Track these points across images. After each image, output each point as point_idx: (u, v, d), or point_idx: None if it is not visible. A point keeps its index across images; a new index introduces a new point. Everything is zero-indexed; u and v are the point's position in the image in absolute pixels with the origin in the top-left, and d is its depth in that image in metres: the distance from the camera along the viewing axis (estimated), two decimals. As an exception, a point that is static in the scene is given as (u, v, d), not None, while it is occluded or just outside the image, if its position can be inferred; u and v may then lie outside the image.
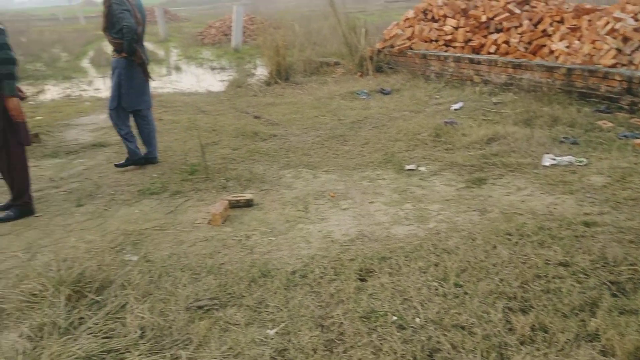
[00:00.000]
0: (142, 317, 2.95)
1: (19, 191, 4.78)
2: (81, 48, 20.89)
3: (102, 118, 8.60)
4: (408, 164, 5.53)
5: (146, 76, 6.02)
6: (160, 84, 12.53)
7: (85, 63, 17.00)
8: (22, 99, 4.85)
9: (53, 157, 6.52)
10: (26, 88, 12.28)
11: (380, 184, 5.08)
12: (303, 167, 5.69)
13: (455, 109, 7.60)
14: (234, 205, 4.68)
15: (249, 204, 4.72)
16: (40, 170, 6.03)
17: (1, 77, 4.46)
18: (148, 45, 21.16)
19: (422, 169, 5.41)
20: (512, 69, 8.15)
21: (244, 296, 3.18)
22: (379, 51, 10.82)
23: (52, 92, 12.07)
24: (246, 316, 2.98)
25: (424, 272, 3.32)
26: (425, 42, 10.35)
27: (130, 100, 5.92)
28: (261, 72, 12.92)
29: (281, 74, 10.83)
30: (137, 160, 5.96)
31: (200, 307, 3.08)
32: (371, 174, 5.36)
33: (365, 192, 4.90)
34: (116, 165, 5.98)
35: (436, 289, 3.12)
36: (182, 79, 13.16)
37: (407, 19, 11.22)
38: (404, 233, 4.02)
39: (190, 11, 46.85)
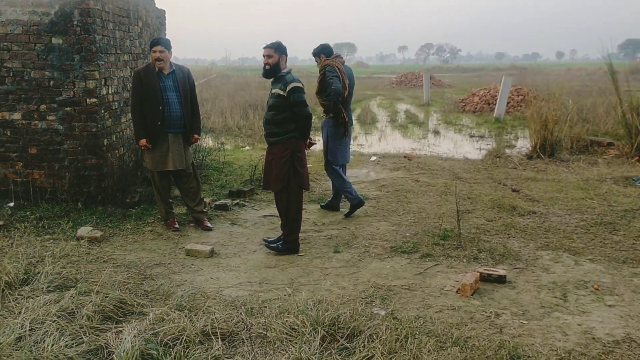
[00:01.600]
0: (386, 374, 3.00)
1: (291, 230, 5.33)
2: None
3: (363, 172, 9.19)
4: (695, 269, 4.75)
5: (345, 135, 6.62)
6: (417, 145, 12.97)
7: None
8: (311, 145, 5.50)
9: (317, 203, 7.13)
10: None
11: (657, 286, 4.44)
12: (564, 251, 5.28)
13: None
14: (485, 278, 4.54)
15: (501, 280, 4.53)
16: (306, 213, 6.63)
17: (301, 131, 5.16)
18: (410, 107, 22.20)
19: None
20: None
21: (490, 378, 3.02)
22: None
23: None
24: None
25: None
26: None
27: (336, 156, 6.58)
28: (522, 144, 12.52)
29: (545, 149, 10.32)
30: (358, 204, 6.54)
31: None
32: (646, 273, 4.73)
33: (637, 291, 4.33)
34: (345, 216, 6.59)
35: None
36: (439, 143, 13.42)
37: None
38: (686, 350, 3.43)
39: (455, 78, 47.86)
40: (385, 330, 3.50)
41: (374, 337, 3.41)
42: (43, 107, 6.40)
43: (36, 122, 6.44)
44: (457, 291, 4.33)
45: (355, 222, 6.34)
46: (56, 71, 6.31)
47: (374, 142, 13.64)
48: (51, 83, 6.34)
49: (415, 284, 4.50)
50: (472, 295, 4.27)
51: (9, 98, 6.42)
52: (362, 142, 13.56)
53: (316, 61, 6.66)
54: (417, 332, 3.54)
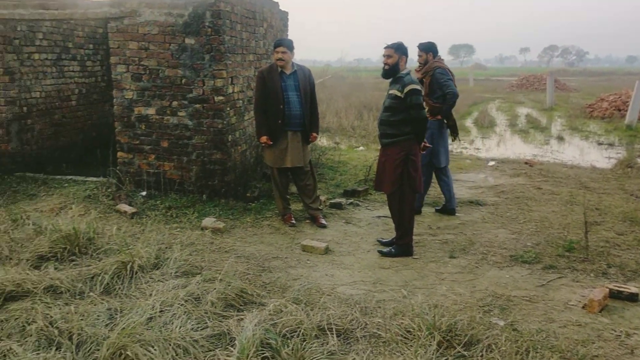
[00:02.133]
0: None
1: (404, 232, 5.28)
2: (467, 108, 22.13)
3: (481, 177, 8.91)
4: None
5: (454, 136, 6.73)
6: (539, 151, 12.35)
7: (469, 123, 17.93)
8: (425, 148, 5.43)
9: (433, 206, 7.01)
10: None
11: None
12: None
13: None
14: (615, 295, 4.23)
15: (633, 298, 4.20)
16: (421, 217, 6.54)
17: (416, 134, 5.11)
18: (531, 111, 21.22)
19: None
20: None
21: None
22: None
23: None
24: None
25: None
26: None
27: (441, 158, 6.55)
28: (658, 154, 11.54)
29: (686, 160, 9.44)
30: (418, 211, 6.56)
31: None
32: None
33: None
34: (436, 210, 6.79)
35: None
36: (564, 149, 12.69)
37: None
38: None
39: (581, 82, 45.04)
40: (505, 341, 3.37)
41: (493, 347, 3.30)
42: (175, 103, 6.82)
43: (168, 117, 6.87)
44: (583, 307, 4.07)
45: (472, 227, 6.15)
46: (188, 70, 6.70)
47: (492, 147, 13.20)
48: (183, 81, 6.75)
49: (537, 296, 4.29)
50: (600, 312, 4.00)
51: (145, 94, 6.91)
52: (479, 146, 13.16)
53: (419, 55, 6.56)
54: (539, 346, 3.38)
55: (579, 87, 37.13)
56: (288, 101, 5.97)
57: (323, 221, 6.20)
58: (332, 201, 6.95)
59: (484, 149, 12.74)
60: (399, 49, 5.16)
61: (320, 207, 6.38)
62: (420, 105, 5.05)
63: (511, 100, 28.15)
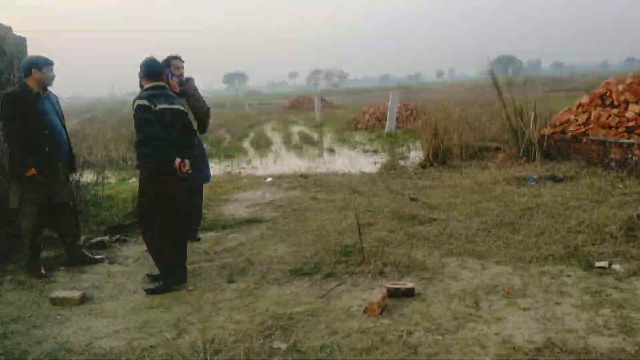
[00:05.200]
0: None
1: (164, 260, 4.74)
2: (244, 130, 22.22)
3: (258, 194, 8.68)
4: (597, 261, 4.68)
5: None
6: (313, 164, 12.66)
7: (245, 144, 17.91)
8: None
9: (209, 230, 6.53)
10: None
11: (565, 282, 4.29)
12: (469, 256, 5.06)
13: (647, 200, 6.55)
14: (393, 293, 4.17)
15: (409, 293, 4.18)
16: (199, 242, 6.01)
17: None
18: (304, 129, 22.06)
19: (617, 267, 4.52)
20: None
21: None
22: (547, 137, 9.96)
23: (215, 169, 12.65)
24: None
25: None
26: (604, 128, 9.36)
27: None
28: (415, 155, 12.60)
29: (438, 157, 10.37)
30: None
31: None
32: (552, 270, 4.58)
33: (548, 291, 4.14)
34: None
35: None
36: (335, 160, 13.23)
37: (581, 104, 10.32)
38: (606, 346, 3.22)
39: (345, 99, 48.77)
40: (288, 367, 3.00)
41: (274, 377, 2.91)
42: None
43: None
44: (364, 310, 3.92)
45: (251, 247, 5.80)
46: None
47: (269, 164, 13.20)
48: None
49: (319, 309, 4.04)
50: (381, 313, 3.88)
51: None
52: (256, 165, 13.06)
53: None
54: (324, 365, 3.08)
55: (343, 104, 40.04)
56: (52, 126, 5.17)
57: (98, 256, 5.56)
58: (92, 241, 6.05)
59: (261, 167, 12.67)
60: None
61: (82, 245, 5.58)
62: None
63: (285, 120, 29.15)
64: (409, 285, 4.25)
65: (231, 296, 4.43)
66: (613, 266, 4.54)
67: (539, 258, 4.88)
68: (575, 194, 7.18)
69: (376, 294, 4.01)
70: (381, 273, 4.71)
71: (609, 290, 4.07)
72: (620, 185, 7.49)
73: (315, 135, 19.71)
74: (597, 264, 4.60)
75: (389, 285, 4.24)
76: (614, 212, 6.03)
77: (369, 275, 4.67)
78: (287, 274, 4.84)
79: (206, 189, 9.15)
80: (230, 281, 4.76)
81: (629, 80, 9.92)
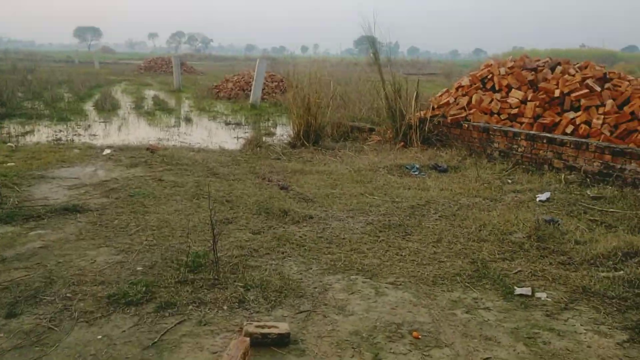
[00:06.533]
0: None
1: None
2: (88, 90, 19.45)
3: (88, 171, 6.86)
4: (516, 285, 3.72)
5: None
6: (166, 135, 10.87)
7: (88, 106, 15.44)
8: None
9: (4, 224, 4.72)
10: (13, 127, 10.65)
11: (486, 320, 3.25)
12: (357, 274, 3.87)
13: (541, 201, 5.84)
14: (259, 342, 2.84)
15: (283, 340, 2.88)
16: (-20, 242, 4.22)
17: None
18: (159, 94, 19.88)
19: (542, 295, 3.58)
20: (609, 156, 6.43)
21: None
22: (427, 120, 9.15)
23: (42, 134, 10.39)
24: None
25: None
26: (485, 113, 8.72)
27: None
28: (282, 131, 11.33)
29: (309, 136, 9.17)
30: None
31: None
32: (465, 298, 3.53)
33: (468, 334, 3.06)
34: None
35: None
36: (192, 132, 11.52)
37: (461, 86, 9.65)
38: None
39: (207, 66, 46.10)
40: None
41: None
42: None
43: None
44: (214, 378, 2.55)
45: (59, 252, 4.12)
46: None
47: (112, 132, 11.16)
48: None
49: (143, 371, 2.59)
50: (241, 381, 2.53)
51: None
52: (96, 132, 10.96)
53: None
54: None
55: (205, 70, 37.66)
56: None
57: None
58: None
59: (102, 135, 10.61)
60: None
61: None
62: None
63: (138, 82, 26.44)
64: (283, 328, 2.93)
65: (5, 346, 2.81)
66: (537, 294, 3.59)
67: (444, 278, 3.82)
68: (464, 188, 6.33)
69: (234, 350, 2.63)
70: (242, 302, 3.35)
71: (545, 334, 3.09)
72: (509, 180, 6.80)
73: (171, 102, 17.67)
74: (518, 291, 3.63)
75: (253, 328, 2.89)
76: (514, 214, 5.21)
77: (225, 307, 3.28)
78: (102, 304, 3.28)
79: (20, 160, 7.18)
80: (10, 315, 3.12)
81: (509, 64, 9.43)
